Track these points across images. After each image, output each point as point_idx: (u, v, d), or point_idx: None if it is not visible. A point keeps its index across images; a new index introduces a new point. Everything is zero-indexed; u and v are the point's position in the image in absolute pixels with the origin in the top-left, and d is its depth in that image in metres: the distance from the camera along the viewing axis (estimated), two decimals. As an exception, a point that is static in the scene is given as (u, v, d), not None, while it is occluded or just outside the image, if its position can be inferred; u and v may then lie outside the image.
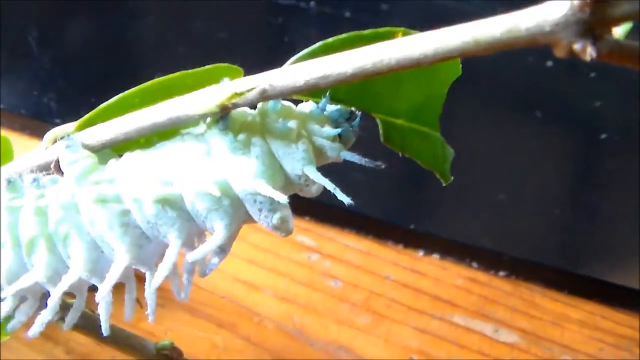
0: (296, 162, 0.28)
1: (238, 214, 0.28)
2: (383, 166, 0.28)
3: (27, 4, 0.70)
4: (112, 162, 0.29)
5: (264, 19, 0.62)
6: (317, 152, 0.29)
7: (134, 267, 0.29)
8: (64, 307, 0.38)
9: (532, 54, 0.63)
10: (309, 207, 0.58)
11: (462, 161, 0.59)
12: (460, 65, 0.30)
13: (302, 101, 0.30)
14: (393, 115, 0.30)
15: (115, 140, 0.29)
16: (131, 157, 0.29)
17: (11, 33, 0.72)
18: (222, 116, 0.27)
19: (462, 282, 0.54)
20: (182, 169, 0.28)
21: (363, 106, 0.30)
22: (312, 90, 0.25)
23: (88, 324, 0.39)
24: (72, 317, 0.32)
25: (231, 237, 0.29)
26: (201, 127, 0.29)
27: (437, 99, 0.31)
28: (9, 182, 0.31)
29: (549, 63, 0.59)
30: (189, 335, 0.48)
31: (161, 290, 0.50)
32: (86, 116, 0.31)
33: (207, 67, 0.29)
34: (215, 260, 0.30)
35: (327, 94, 0.29)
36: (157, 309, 0.49)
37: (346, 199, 0.27)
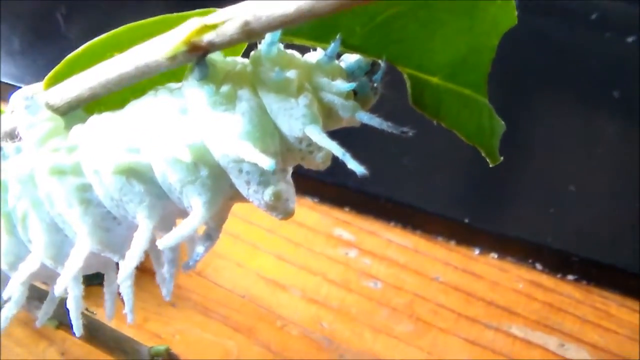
0: (294, 120, 0.22)
1: (220, 187, 0.23)
2: (410, 133, 0.22)
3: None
4: (77, 127, 0.24)
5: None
6: (326, 111, 0.23)
7: (100, 253, 0.24)
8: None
9: (610, 29, 0.58)
10: (349, 196, 0.53)
11: (527, 146, 0.54)
12: (516, 13, 0.23)
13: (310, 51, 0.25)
14: (426, 71, 0.24)
15: (81, 97, 0.25)
16: (97, 120, 0.24)
17: (39, 10, 0.70)
18: (198, 61, 0.21)
19: (523, 286, 0.47)
20: (151, 132, 0.22)
21: (386, 56, 0.24)
22: (308, 19, 0.19)
23: None
24: (45, 310, 0.29)
25: (215, 219, 0.24)
26: (180, 83, 0.23)
27: (485, 52, 0.24)
28: None
29: (630, 39, 0.56)
30: (200, 340, 0.43)
31: (173, 287, 0.45)
32: (53, 71, 0.26)
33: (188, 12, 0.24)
34: (200, 249, 0.25)
35: (338, 37, 0.23)
36: (167, 308, 0.44)
37: (359, 169, 0.22)
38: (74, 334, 0.34)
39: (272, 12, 0.19)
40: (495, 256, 0.49)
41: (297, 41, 0.24)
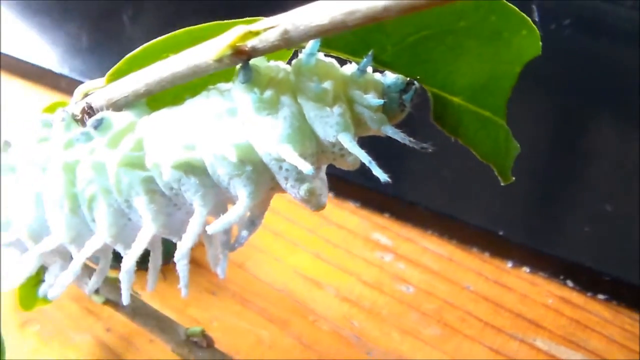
0: (329, 127, 0.24)
1: (263, 180, 0.25)
2: (430, 149, 0.24)
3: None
4: (142, 122, 0.27)
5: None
6: (357, 120, 0.25)
7: (162, 235, 0.28)
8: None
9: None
10: (389, 203, 0.54)
11: (564, 164, 0.54)
12: (540, 44, 0.25)
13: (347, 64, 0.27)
14: (448, 91, 0.26)
15: (137, 92, 0.28)
16: (157, 117, 0.27)
17: (107, 11, 0.74)
18: (243, 65, 0.24)
19: (553, 301, 0.48)
20: (204, 131, 0.25)
21: (413, 73, 0.26)
22: (340, 30, 0.21)
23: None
24: (95, 281, 0.32)
25: (258, 207, 0.27)
26: (230, 83, 0.26)
27: (506, 79, 0.25)
28: (44, 122, 0.30)
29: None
30: (235, 327, 0.45)
31: (214, 277, 0.48)
32: (113, 69, 0.29)
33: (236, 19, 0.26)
34: (244, 233, 0.28)
35: (370, 52, 0.25)
36: (207, 296, 0.47)
37: (383, 175, 0.24)
38: (120, 307, 0.37)
39: (309, 22, 0.21)
40: (527, 270, 0.50)
41: (334, 54, 0.26)
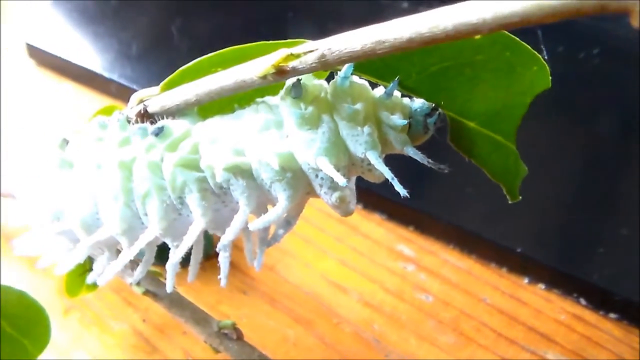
0: (359, 145, 0.28)
1: (301, 186, 0.28)
2: (447, 170, 0.27)
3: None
4: (197, 128, 0.30)
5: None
6: (383, 140, 0.28)
7: (209, 229, 0.30)
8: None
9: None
10: (414, 217, 0.57)
11: (583, 187, 0.56)
12: (550, 78, 0.27)
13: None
14: (465, 116, 0.29)
15: (188, 102, 0.31)
16: (211, 123, 0.30)
17: (157, 21, 0.77)
18: (295, 83, 0.27)
19: (565, 317, 0.50)
20: (252, 139, 0.28)
21: (434, 99, 0.29)
22: (370, 57, 0.24)
23: (161, 292, 0.40)
24: (140, 271, 0.34)
25: (295, 209, 0.30)
26: (277, 98, 0.29)
27: (517, 108, 0.28)
28: (101, 124, 0.32)
29: None
30: (263, 325, 0.48)
31: (246, 277, 0.51)
32: (167, 79, 0.32)
33: (280, 41, 0.29)
34: (280, 231, 0.31)
35: (396, 78, 0.28)
36: (238, 295, 0.50)
37: (402, 191, 0.27)
38: (158, 297, 0.40)
39: (343, 48, 0.24)
40: (543, 287, 0.52)
41: (365, 77, 0.29)
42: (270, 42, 0.29)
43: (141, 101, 0.33)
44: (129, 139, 0.31)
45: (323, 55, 0.25)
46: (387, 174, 0.27)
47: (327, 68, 0.26)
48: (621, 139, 0.61)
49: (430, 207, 0.56)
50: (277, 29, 0.70)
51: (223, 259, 0.30)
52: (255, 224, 0.29)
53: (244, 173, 0.28)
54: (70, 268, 0.33)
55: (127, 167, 0.30)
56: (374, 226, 0.57)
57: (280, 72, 0.26)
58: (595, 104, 0.64)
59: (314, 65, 0.25)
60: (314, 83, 0.28)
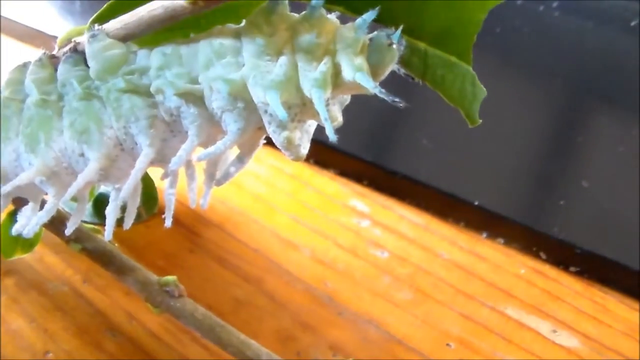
0: (307, 81, 0.25)
1: (253, 119, 0.27)
2: (402, 104, 0.24)
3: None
4: (144, 52, 0.28)
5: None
6: (336, 74, 0.26)
7: (155, 163, 0.29)
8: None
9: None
10: (368, 171, 0.54)
11: (544, 139, 0.55)
12: None
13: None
14: (415, 37, 0.27)
15: (117, 35, 0.29)
16: (164, 49, 0.28)
17: None
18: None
19: (525, 272, 0.48)
20: (206, 64, 0.27)
21: (384, 21, 0.26)
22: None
23: (97, 249, 0.39)
24: (73, 222, 0.32)
25: (247, 145, 0.29)
26: (241, 24, 0.28)
27: (470, 25, 0.27)
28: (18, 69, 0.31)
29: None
30: (211, 284, 0.45)
31: (193, 235, 0.48)
32: (96, 14, 0.30)
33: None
34: (232, 169, 0.30)
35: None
36: (185, 254, 0.47)
37: (332, 136, 0.25)
38: (96, 255, 0.37)
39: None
40: (502, 241, 0.50)
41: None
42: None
43: (70, 40, 0.31)
44: (53, 75, 0.29)
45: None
46: (323, 112, 0.25)
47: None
48: (581, 91, 0.60)
49: (384, 160, 0.54)
50: None
51: (168, 196, 0.29)
52: (202, 155, 0.27)
53: (196, 100, 0.27)
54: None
55: (53, 104, 0.28)
56: (326, 181, 0.54)
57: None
58: (554, 56, 0.62)
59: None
60: (289, 13, 0.26)
